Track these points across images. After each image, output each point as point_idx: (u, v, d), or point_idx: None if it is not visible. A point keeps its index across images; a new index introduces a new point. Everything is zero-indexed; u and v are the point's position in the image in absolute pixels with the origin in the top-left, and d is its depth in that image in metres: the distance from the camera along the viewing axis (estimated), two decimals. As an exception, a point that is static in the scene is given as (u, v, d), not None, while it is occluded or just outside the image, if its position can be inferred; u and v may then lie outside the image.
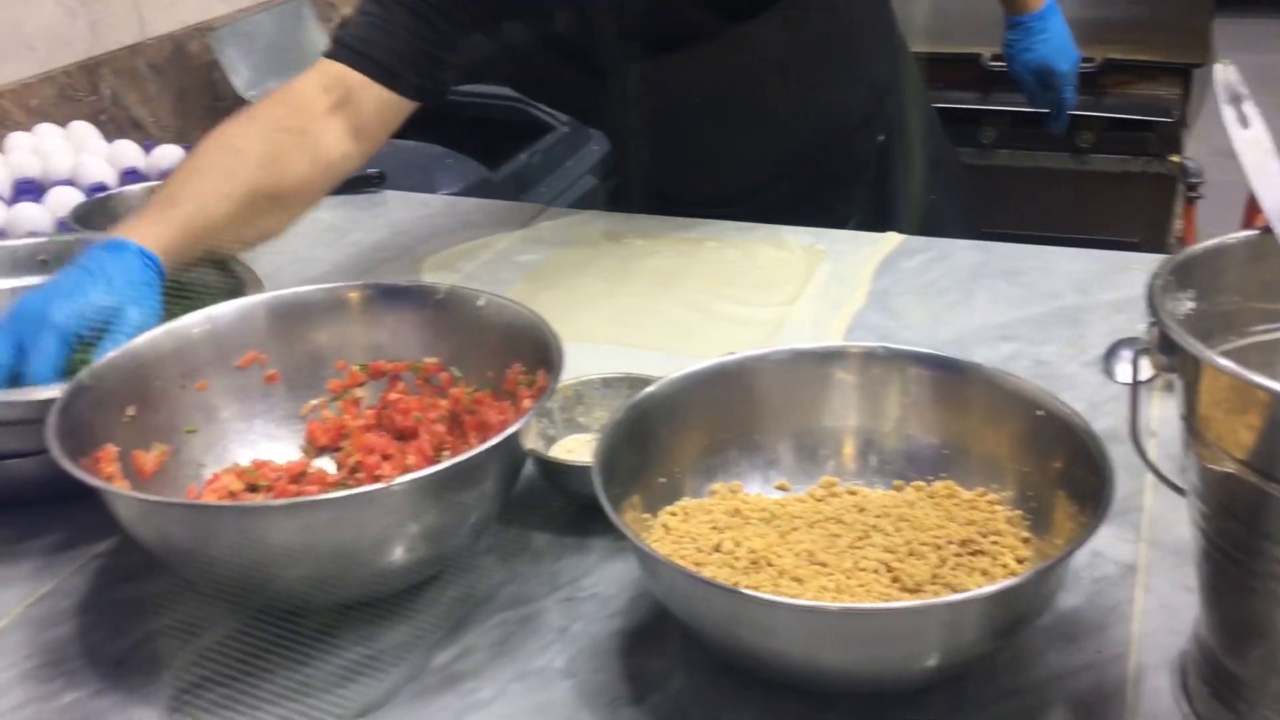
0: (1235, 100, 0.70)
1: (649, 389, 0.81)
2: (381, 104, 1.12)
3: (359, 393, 0.94)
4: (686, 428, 0.82)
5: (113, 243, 0.93)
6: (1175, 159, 2.10)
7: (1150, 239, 2.20)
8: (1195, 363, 0.60)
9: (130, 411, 0.84)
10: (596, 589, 0.82)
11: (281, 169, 1.05)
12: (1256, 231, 0.69)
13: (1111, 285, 1.22)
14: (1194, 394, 0.61)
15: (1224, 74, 0.71)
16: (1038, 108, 1.63)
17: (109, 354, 0.85)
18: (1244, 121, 0.70)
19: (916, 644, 0.65)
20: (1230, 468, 0.59)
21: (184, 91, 2.04)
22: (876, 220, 1.41)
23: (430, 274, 1.35)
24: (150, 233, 0.95)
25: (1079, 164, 2.15)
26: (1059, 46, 1.54)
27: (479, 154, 1.96)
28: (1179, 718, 0.69)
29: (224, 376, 0.90)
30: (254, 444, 0.90)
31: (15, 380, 0.87)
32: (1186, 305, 0.67)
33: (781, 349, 0.84)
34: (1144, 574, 0.81)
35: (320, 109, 1.09)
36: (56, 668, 0.77)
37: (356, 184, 1.61)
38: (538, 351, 0.86)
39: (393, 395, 0.93)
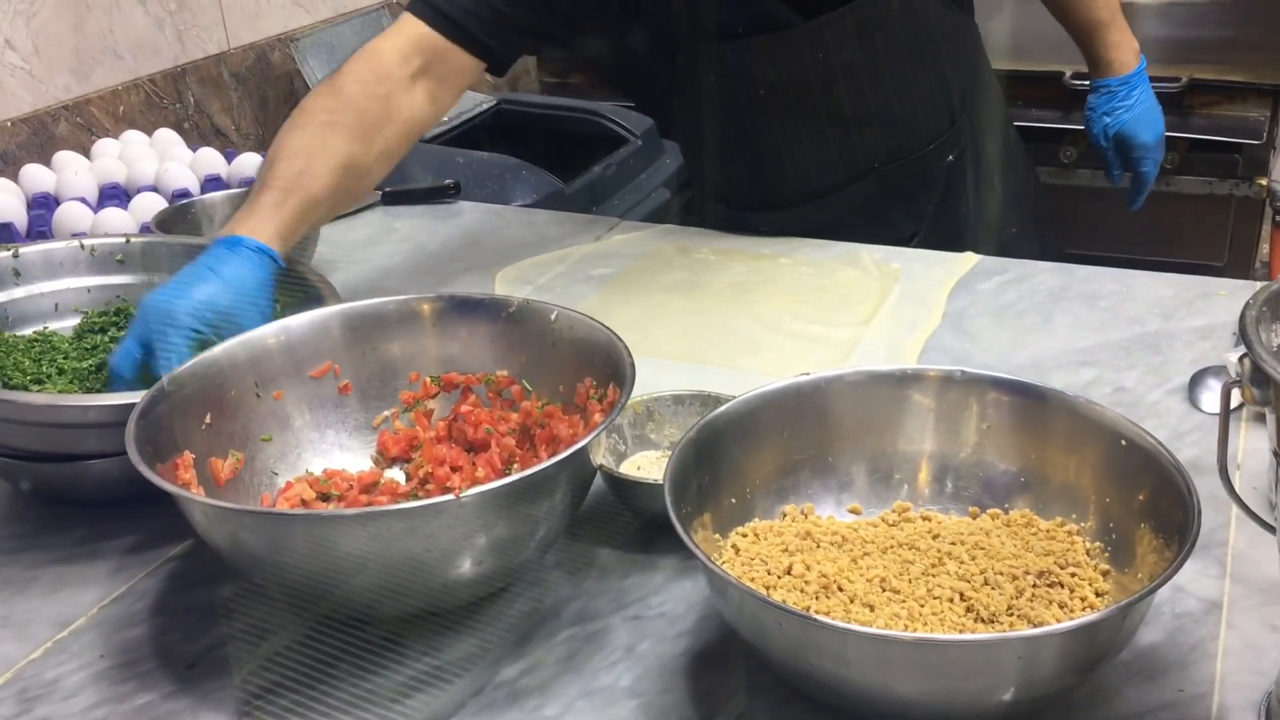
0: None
1: (721, 408, 0.80)
2: (459, 68, 1.17)
3: (430, 404, 0.95)
4: (759, 448, 0.81)
5: (231, 240, 0.97)
6: (1262, 182, 2.05)
7: (1234, 263, 2.14)
8: (1290, 396, 0.58)
9: (207, 419, 0.85)
10: (664, 608, 0.81)
11: (371, 139, 1.10)
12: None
13: (1196, 311, 1.19)
14: (1288, 428, 0.59)
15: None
16: (1114, 179, 1.52)
17: (186, 364, 0.86)
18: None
19: (991, 677, 0.63)
20: (1326, 506, 0.57)
21: (265, 100, 2.08)
22: (942, 240, 1.39)
23: (504, 285, 1.35)
24: (264, 226, 0.99)
25: (1162, 185, 2.09)
26: (1144, 116, 1.46)
27: (553, 166, 1.97)
28: (1265, 763, 0.67)
29: (298, 386, 0.91)
30: (327, 453, 0.91)
31: (144, 377, 0.90)
32: (1265, 335, 0.65)
33: (857, 370, 0.83)
34: (1228, 611, 0.78)
35: (403, 76, 1.14)
36: (129, 669, 0.78)
37: (432, 194, 1.63)
38: (609, 366, 0.86)
39: (464, 408, 0.93)
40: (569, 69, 2.66)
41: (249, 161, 1.60)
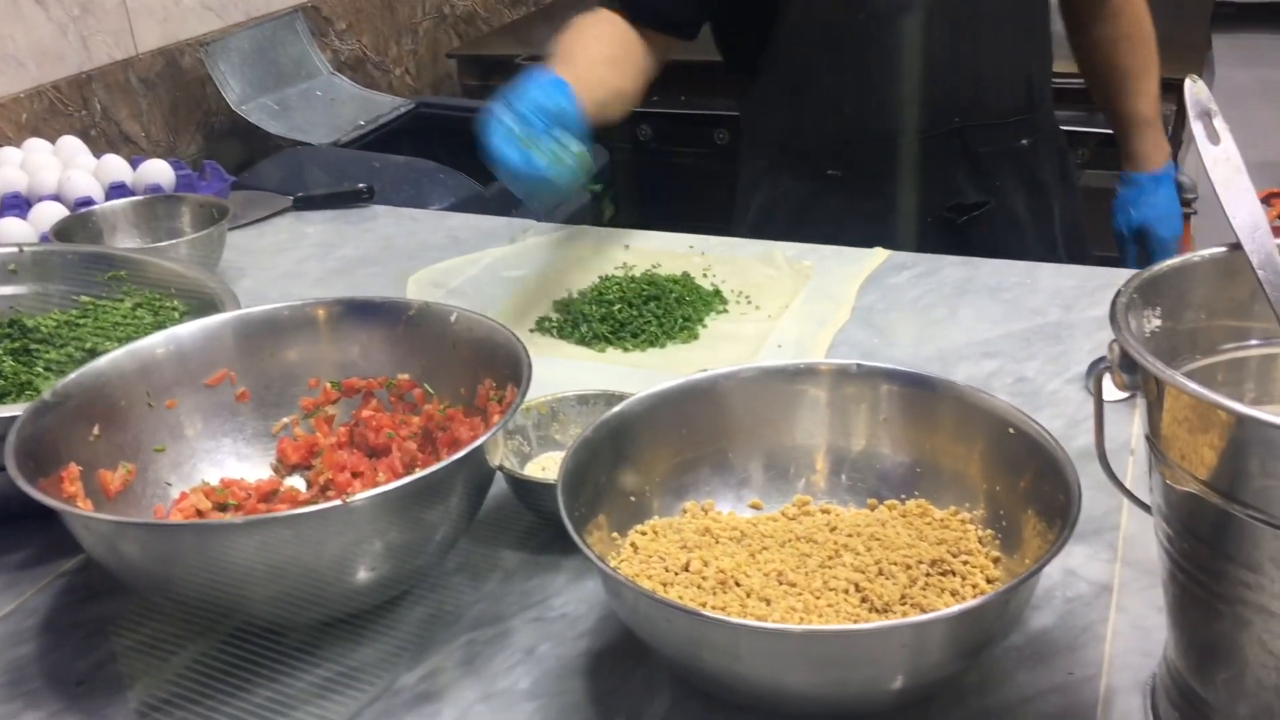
0: (1205, 115, 0.69)
1: (616, 407, 0.80)
2: (661, 44, 1.35)
3: (331, 410, 0.94)
4: (656, 446, 0.81)
5: (547, 74, 1.16)
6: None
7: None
8: (1156, 382, 0.59)
9: (95, 431, 0.83)
10: (566, 609, 0.81)
11: (622, 72, 1.30)
12: (1224, 248, 0.68)
13: (1097, 301, 1.21)
14: (1156, 413, 0.60)
15: (1193, 89, 0.70)
16: (1126, 263, 1.57)
17: (71, 375, 0.84)
18: (1214, 137, 0.69)
19: (879, 665, 0.64)
20: (1193, 488, 0.58)
21: (175, 106, 2.05)
22: (1011, 221, 1.44)
23: (416, 289, 1.34)
24: (566, 74, 1.17)
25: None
26: (1167, 215, 1.52)
27: (473, 169, 1.96)
28: (1149, 742, 0.68)
29: (193, 395, 0.90)
30: (223, 463, 0.90)
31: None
32: (1154, 323, 0.66)
33: (752, 366, 0.84)
34: (1118, 594, 0.80)
35: (634, 40, 1.33)
36: (16, 688, 0.77)
37: (345, 198, 1.61)
38: (509, 367, 0.85)
39: (365, 413, 0.92)
40: (488, 71, 2.65)
41: (155, 169, 1.57)
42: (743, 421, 0.84)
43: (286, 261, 1.45)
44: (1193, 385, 0.55)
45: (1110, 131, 1.60)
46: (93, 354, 0.98)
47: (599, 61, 1.27)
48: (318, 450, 0.91)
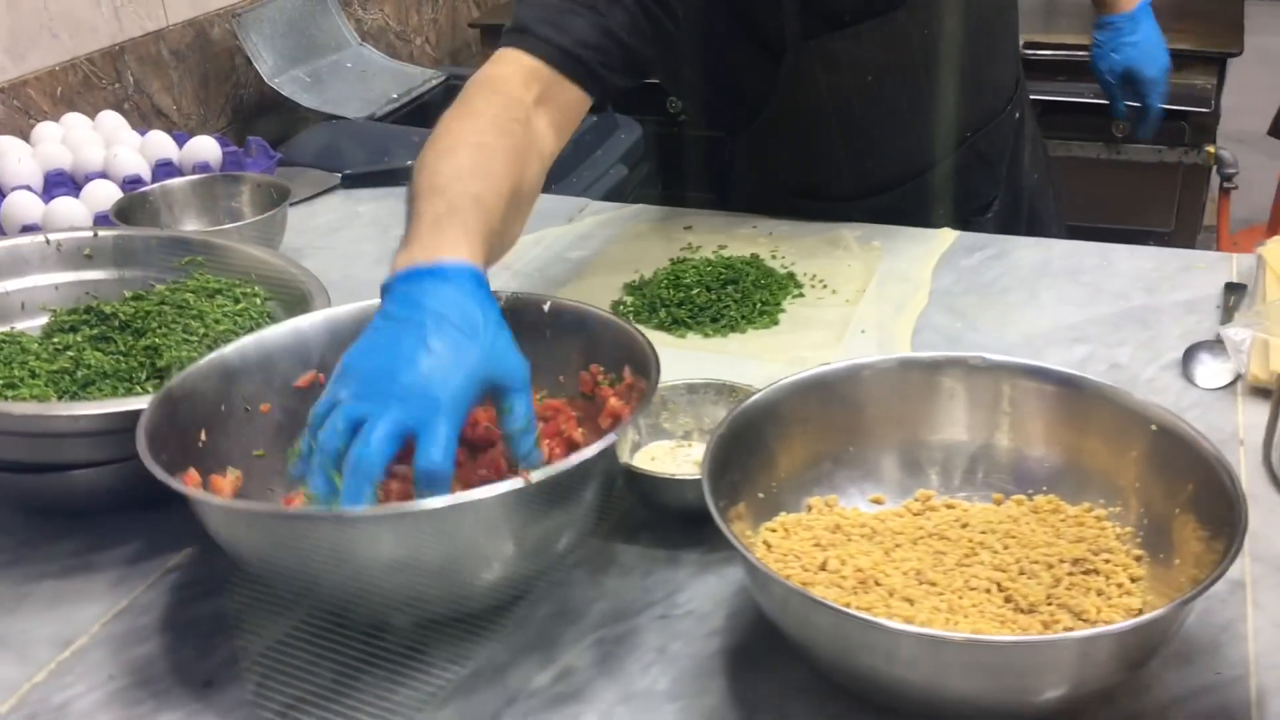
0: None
1: (753, 397, 0.79)
2: (573, 100, 1.02)
3: None
4: (789, 438, 0.80)
5: (445, 268, 0.76)
6: (1209, 149, 2.08)
7: (1181, 229, 2.19)
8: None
9: (203, 437, 0.82)
10: (692, 605, 0.80)
11: (523, 165, 0.92)
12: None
13: (1178, 285, 1.21)
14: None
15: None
16: (1119, 114, 1.56)
17: (196, 365, 0.82)
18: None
19: (1050, 676, 0.63)
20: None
21: (206, 78, 2.00)
22: (1016, 199, 1.41)
23: (480, 271, 1.32)
24: (465, 248, 0.78)
25: (1113, 153, 2.13)
26: (1149, 50, 1.48)
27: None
28: (1308, 743, 0.67)
29: (285, 399, 0.88)
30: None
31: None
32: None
33: (887, 357, 0.83)
34: (1251, 590, 0.79)
35: (529, 102, 0.97)
36: (144, 689, 0.75)
37: (395, 175, 1.59)
38: (620, 353, 0.84)
39: None
40: (513, 41, 2.61)
41: (202, 146, 1.54)
42: (869, 414, 0.83)
43: (343, 242, 1.42)
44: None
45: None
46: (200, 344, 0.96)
47: (503, 197, 0.87)
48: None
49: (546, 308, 0.90)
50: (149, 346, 0.98)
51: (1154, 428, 0.75)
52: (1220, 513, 0.68)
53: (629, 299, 1.23)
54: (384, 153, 1.73)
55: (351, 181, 1.58)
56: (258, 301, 1.04)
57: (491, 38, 2.68)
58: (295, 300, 0.99)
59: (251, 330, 0.95)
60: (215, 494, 0.80)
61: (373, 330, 0.75)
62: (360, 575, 0.70)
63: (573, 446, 0.85)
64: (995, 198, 1.44)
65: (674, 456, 0.89)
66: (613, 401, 0.84)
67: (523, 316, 0.90)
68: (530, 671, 0.75)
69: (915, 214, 1.37)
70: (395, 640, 0.77)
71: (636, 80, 1.08)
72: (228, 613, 0.81)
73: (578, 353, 0.89)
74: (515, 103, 0.95)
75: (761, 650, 0.76)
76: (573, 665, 0.76)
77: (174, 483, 0.70)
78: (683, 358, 1.11)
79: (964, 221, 1.39)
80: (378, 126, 1.92)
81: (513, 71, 0.98)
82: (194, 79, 1.98)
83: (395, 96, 2.08)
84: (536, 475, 0.68)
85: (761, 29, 1.24)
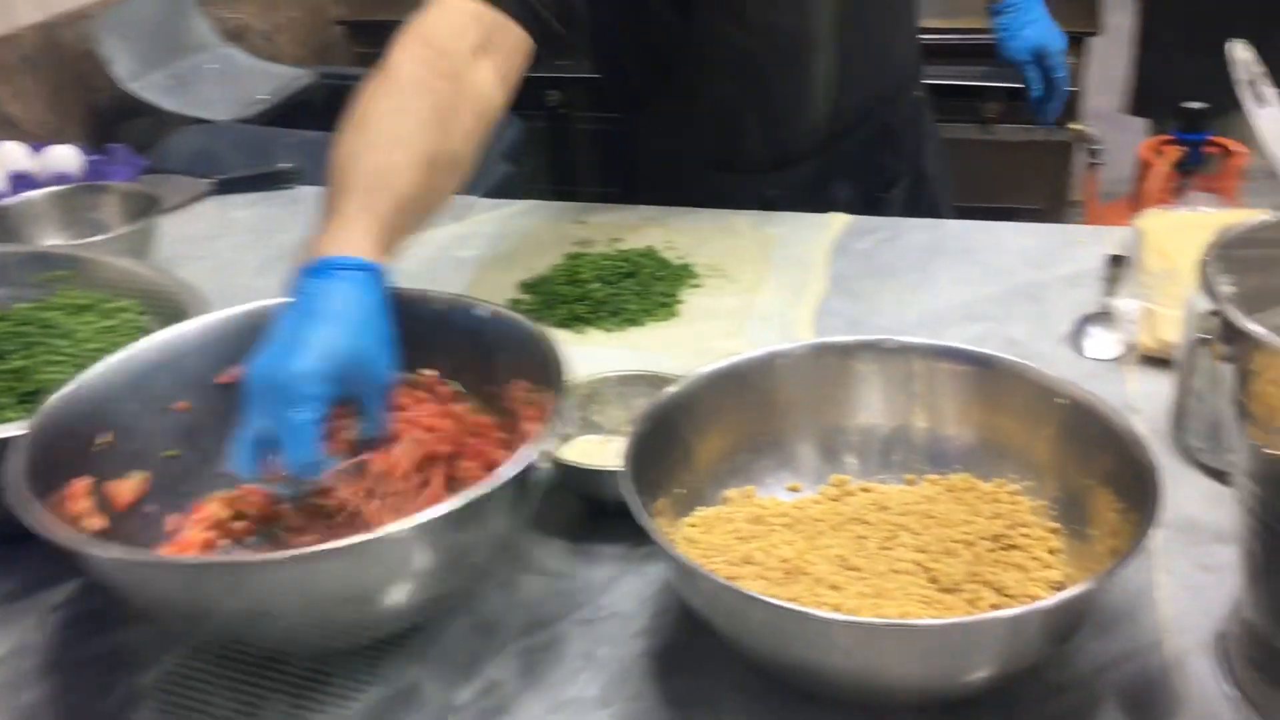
0: (1252, 79, 0.70)
1: (673, 389, 0.77)
2: (516, 45, 0.99)
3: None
4: (708, 430, 0.79)
5: (327, 264, 0.77)
6: (1075, 126, 2.14)
7: (1052, 204, 2.25)
8: (1258, 348, 0.59)
9: (108, 438, 0.78)
10: (615, 607, 0.78)
11: (449, 125, 0.90)
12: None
13: (1063, 260, 1.23)
14: (1252, 379, 0.60)
15: (1240, 54, 0.70)
16: (1037, 92, 1.59)
17: (67, 388, 0.77)
18: (1261, 99, 0.70)
19: (979, 655, 0.63)
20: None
21: (59, 85, 1.91)
22: (919, 180, 1.44)
23: (367, 275, 1.28)
24: (358, 239, 0.79)
25: (985, 134, 2.18)
26: (1051, 27, 1.54)
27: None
28: (1228, 702, 0.69)
29: (204, 396, 0.84)
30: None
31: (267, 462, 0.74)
32: (1228, 289, 0.66)
33: (800, 344, 0.82)
34: (1161, 557, 0.81)
35: (463, 51, 0.94)
36: (38, 738, 0.70)
37: (269, 180, 1.53)
38: (542, 367, 0.81)
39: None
40: (382, 38, 2.54)
41: (60, 155, 1.46)
42: (784, 402, 0.82)
43: (222, 250, 1.37)
44: (1312, 356, 0.55)
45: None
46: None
47: (417, 170, 0.86)
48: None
49: (481, 313, 0.86)
50: (13, 370, 0.92)
51: (1064, 402, 0.76)
52: (1135, 483, 0.68)
53: (526, 297, 1.20)
54: (258, 156, 1.66)
55: (225, 187, 1.51)
56: (131, 316, 0.99)
57: (359, 34, 2.61)
58: (172, 314, 0.94)
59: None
60: (112, 501, 0.77)
61: (277, 322, 0.77)
62: (259, 616, 0.67)
63: (492, 467, 0.81)
64: (900, 175, 1.45)
65: (603, 449, 0.87)
66: (526, 425, 0.82)
67: (460, 321, 0.86)
68: (452, 688, 0.73)
69: (821, 189, 1.38)
70: (308, 669, 0.74)
71: (566, 35, 1.06)
72: (122, 648, 0.76)
73: (507, 366, 0.85)
74: (442, 55, 0.92)
75: (690, 648, 0.75)
76: (497, 679, 0.73)
77: (36, 522, 0.65)
78: (587, 355, 1.08)
79: (870, 199, 1.41)
80: (250, 129, 1.85)
81: (447, 19, 0.95)
82: (46, 85, 1.88)
83: (265, 97, 2.00)
84: (399, 526, 0.65)
85: None
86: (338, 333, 0.74)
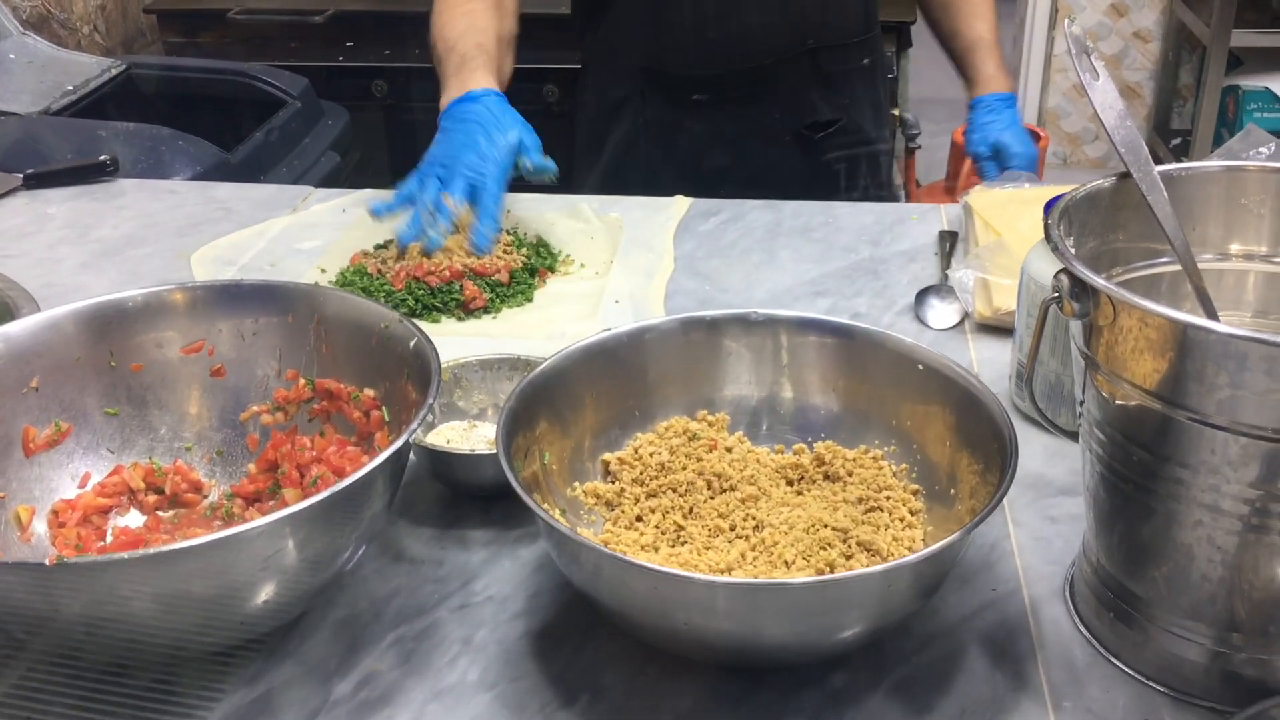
0: (1084, 53, 0.74)
1: (537, 370, 0.77)
2: None
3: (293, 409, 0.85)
4: (578, 407, 0.79)
5: (475, 93, 1.23)
6: (895, 112, 2.22)
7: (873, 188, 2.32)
8: (1107, 301, 0.62)
9: (34, 383, 0.80)
10: (490, 591, 0.78)
11: (501, 18, 1.34)
12: (1114, 177, 0.73)
13: (898, 236, 1.28)
14: (1098, 332, 0.64)
15: (1071, 29, 0.74)
16: (989, 179, 1.56)
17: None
18: (1094, 74, 0.73)
19: (854, 611, 0.65)
20: (1134, 398, 0.63)
21: None
22: (859, 136, 1.53)
23: (202, 268, 1.23)
24: (489, 81, 1.25)
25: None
26: (1021, 131, 1.56)
27: (205, 133, 1.81)
28: (1082, 643, 0.73)
29: (161, 360, 0.84)
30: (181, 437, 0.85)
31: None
32: (1071, 250, 0.70)
33: (668, 319, 0.83)
34: (1010, 510, 0.85)
35: None
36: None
37: (85, 173, 1.45)
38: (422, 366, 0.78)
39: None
40: (196, 27, 2.45)
41: None
42: (654, 376, 0.83)
43: (36, 247, 1.29)
44: (1150, 302, 0.59)
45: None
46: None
47: (495, 42, 1.32)
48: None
49: (412, 344, 0.80)
50: None
51: (920, 367, 0.79)
52: (989, 443, 0.72)
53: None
54: (69, 149, 1.58)
55: (36, 181, 1.43)
56: None
57: (171, 22, 2.50)
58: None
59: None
60: (22, 443, 0.78)
61: (440, 137, 1.22)
62: (115, 619, 0.64)
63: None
64: (832, 122, 1.50)
65: (468, 436, 0.86)
66: (378, 435, 0.81)
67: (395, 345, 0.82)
68: (329, 683, 0.71)
69: (749, 104, 1.45)
70: (181, 671, 0.70)
71: None
72: (-32, 665, 0.71)
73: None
74: None
75: (569, 627, 0.74)
76: (375, 669, 0.72)
77: None
78: (442, 345, 1.07)
79: (796, 135, 1.48)
80: (58, 121, 1.76)
81: None
82: None
83: (70, 89, 1.90)
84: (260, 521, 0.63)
85: None
86: (501, 129, 1.20)
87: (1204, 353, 0.59)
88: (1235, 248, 0.74)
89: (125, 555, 0.59)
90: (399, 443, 0.69)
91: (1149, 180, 0.71)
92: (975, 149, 1.57)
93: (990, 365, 1.02)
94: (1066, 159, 3.96)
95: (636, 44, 1.47)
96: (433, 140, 1.22)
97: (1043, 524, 0.83)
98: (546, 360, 0.77)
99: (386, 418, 0.81)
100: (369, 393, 0.82)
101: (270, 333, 0.85)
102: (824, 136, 1.51)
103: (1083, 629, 0.73)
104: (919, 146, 2.29)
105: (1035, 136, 2.19)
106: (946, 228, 1.29)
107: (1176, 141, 3.61)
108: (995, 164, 1.59)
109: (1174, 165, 0.73)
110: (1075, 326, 0.67)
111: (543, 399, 0.76)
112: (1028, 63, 3.85)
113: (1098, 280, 0.61)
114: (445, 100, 1.24)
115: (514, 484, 0.67)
